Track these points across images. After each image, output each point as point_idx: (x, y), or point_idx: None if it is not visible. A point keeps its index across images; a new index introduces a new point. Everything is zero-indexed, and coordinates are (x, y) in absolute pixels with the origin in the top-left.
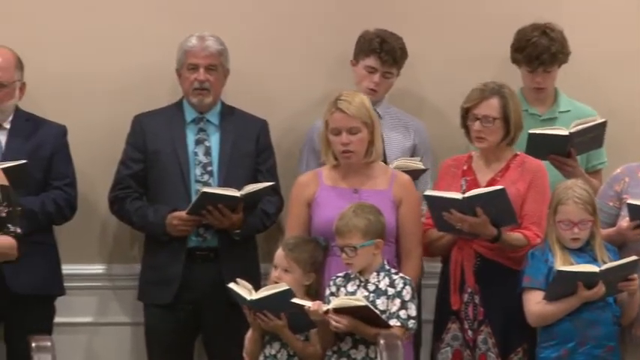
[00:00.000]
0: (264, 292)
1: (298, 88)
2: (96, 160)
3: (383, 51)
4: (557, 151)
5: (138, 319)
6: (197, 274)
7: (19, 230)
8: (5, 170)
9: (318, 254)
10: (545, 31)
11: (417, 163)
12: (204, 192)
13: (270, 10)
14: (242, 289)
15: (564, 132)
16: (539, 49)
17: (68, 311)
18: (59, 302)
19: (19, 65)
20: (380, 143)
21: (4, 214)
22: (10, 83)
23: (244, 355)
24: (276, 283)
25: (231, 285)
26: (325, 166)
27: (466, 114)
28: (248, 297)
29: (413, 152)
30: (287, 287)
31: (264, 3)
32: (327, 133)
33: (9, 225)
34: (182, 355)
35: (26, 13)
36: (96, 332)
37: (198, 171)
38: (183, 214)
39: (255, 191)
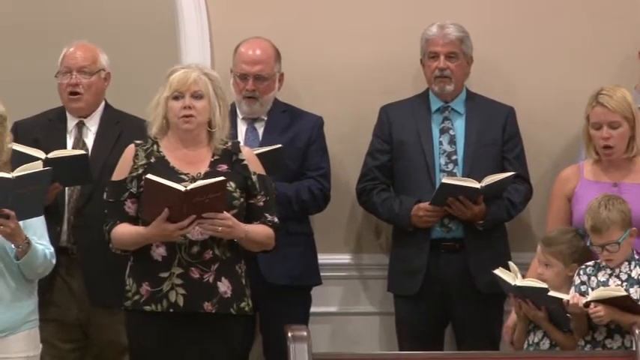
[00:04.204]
0: (526, 282)
1: (544, 77)
2: (347, 151)
3: None
4: None
5: (387, 309)
6: (442, 264)
7: (276, 220)
8: (260, 155)
9: (578, 244)
10: None
11: None
12: (444, 183)
13: None
14: (507, 274)
15: None
16: None
17: (320, 301)
18: (312, 291)
19: (278, 56)
20: None
21: (261, 204)
22: (271, 75)
23: (511, 343)
24: (541, 279)
25: (497, 271)
26: (588, 160)
27: None
28: (512, 282)
29: None
30: (544, 286)
31: None
32: (588, 128)
33: (266, 214)
34: (432, 344)
35: (283, 5)
36: (346, 322)
37: (442, 160)
38: (427, 204)
39: (496, 182)
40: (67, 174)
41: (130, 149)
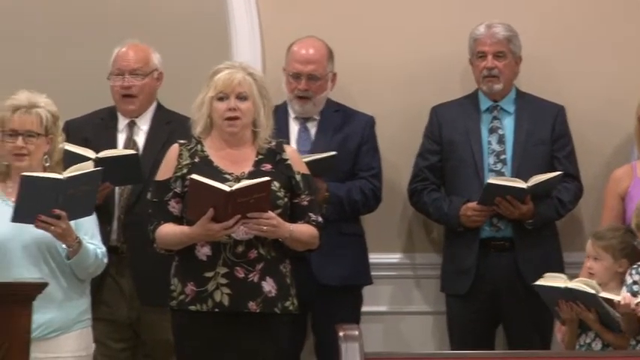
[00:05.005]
0: (576, 284)
1: (595, 75)
2: (397, 150)
3: None
4: None
5: (439, 309)
6: (492, 264)
7: (320, 219)
8: (314, 162)
9: (629, 240)
10: None
11: None
12: (490, 183)
13: None
14: (554, 280)
15: None
16: None
17: (372, 300)
18: (364, 291)
19: (331, 56)
20: None
21: (305, 203)
22: (324, 75)
23: (561, 344)
24: (590, 273)
25: (540, 281)
26: None
27: None
28: (562, 285)
29: None
30: (592, 291)
31: None
32: (639, 128)
33: (310, 214)
34: (483, 343)
35: (333, 4)
36: (399, 321)
37: (491, 160)
38: (475, 204)
39: (543, 181)
40: (118, 174)
41: (174, 149)
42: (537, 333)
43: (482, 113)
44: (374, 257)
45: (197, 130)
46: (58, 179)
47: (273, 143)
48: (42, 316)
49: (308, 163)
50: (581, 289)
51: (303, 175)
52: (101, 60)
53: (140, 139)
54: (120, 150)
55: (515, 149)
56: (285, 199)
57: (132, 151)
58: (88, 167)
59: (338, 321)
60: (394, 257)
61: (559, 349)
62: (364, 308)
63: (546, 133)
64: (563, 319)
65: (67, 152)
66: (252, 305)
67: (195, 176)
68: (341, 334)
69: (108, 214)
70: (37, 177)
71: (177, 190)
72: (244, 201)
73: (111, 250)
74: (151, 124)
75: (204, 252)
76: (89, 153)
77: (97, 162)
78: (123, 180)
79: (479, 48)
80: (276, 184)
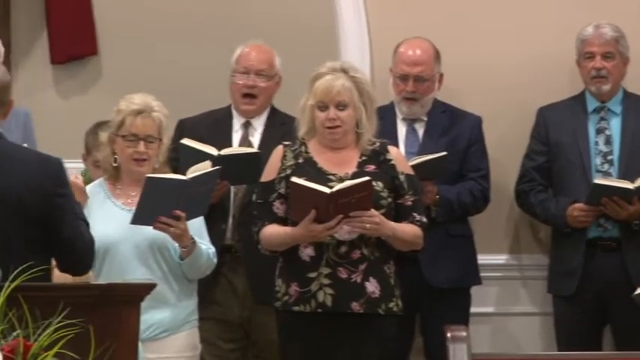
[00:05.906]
0: None
1: None
2: (504, 150)
3: None
4: None
5: (547, 309)
6: (599, 264)
7: (424, 219)
8: (424, 163)
9: None
10: None
11: None
12: (596, 184)
13: None
14: None
15: None
16: None
17: (480, 301)
18: (472, 292)
19: (437, 57)
20: None
21: (409, 203)
22: (431, 76)
23: None
24: None
25: (637, 292)
26: None
27: None
28: None
29: None
30: None
31: None
32: None
33: (414, 214)
34: (590, 344)
35: (440, 4)
36: (506, 322)
37: (598, 160)
38: (582, 205)
39: None
40: (237, 172)
41: (279, 150)
42: None
43: (589, 114)
44: (481, 258)
45: (301, 131)
46: (183, 180)
47: (377, 144)
48: (153, 316)
49: (419, 165)
50: None
51: (407, 175)
52: (209, 62)
53: (255, 139)
54: (242, 148)
55: (622, 150)
56: (389, 200)
57: (254, 150)
58: (206, 167)
59: (446, 322)
60: (501, 258)
61: None
62: (471, 309)
63: None
64: None
65: (187, 147)
66: (356, 306)
67: (295, 179)
68: (449, 335)
69: (223, 212)
70: (162, 179)
71: (282, 191)
72: (346, 201)
73: (225, 248)
74: (265, 125)
75: (307, 253)
76: (210, 150)
77: (218, 159)
78: (240, 179)
79: (587, 49)
80: (379, 185)
